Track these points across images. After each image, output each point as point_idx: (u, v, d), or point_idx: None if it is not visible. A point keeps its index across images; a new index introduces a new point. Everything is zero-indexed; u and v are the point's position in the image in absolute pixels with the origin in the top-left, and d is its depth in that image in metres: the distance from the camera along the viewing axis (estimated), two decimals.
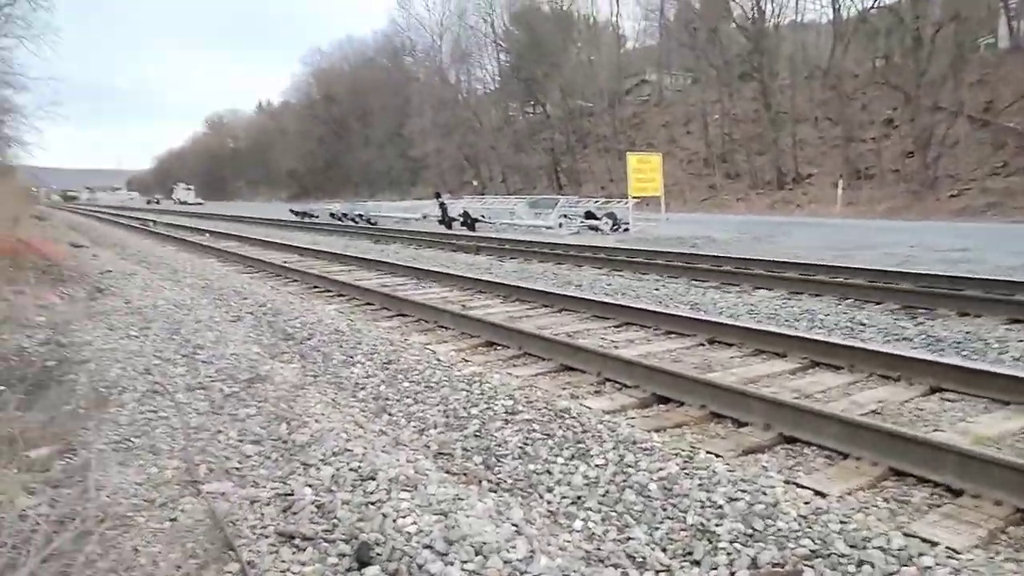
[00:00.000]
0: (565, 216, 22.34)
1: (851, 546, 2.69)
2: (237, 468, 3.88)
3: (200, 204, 79.22)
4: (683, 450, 3.63)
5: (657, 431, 4.06)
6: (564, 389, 5.06)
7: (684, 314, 7.21)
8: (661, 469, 3.44)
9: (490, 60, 59.08)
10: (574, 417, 4.15)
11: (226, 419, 4.70)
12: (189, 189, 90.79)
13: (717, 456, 3.63)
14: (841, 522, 2.84)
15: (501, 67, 58.14)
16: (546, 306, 8.31)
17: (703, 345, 6.26)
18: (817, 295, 8.60)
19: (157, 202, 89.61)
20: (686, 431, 4.23)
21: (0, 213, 17.66)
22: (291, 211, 40.26)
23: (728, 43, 39.18)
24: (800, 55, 38.07)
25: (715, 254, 12.76)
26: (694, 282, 10.02)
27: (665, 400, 4.68)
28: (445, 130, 57.40)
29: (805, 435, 3.89)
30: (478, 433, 4.27)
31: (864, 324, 6.92)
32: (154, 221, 33.38)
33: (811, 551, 2.70)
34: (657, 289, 9.41)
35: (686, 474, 3.37)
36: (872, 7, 33.26)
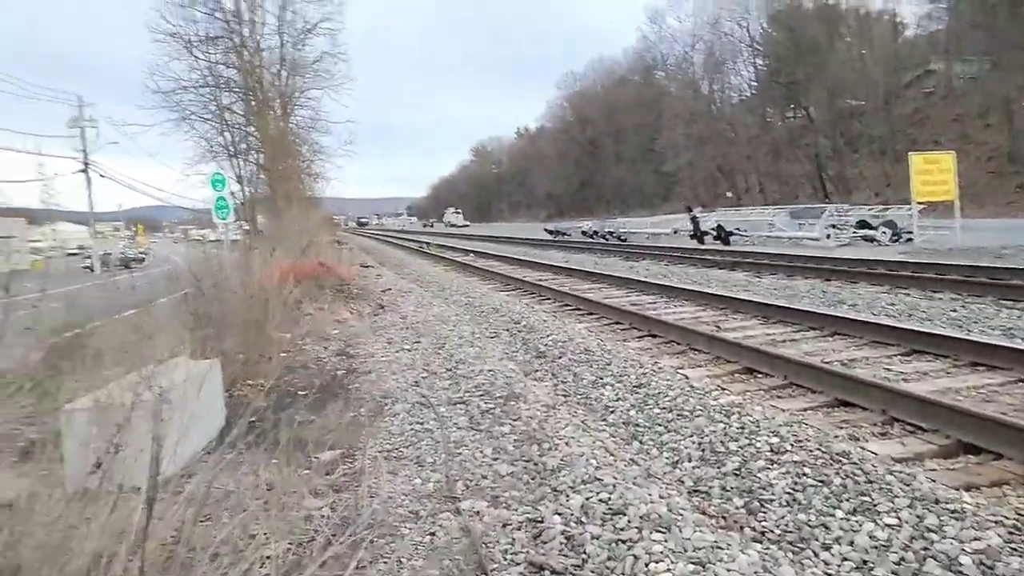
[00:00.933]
0: (833, 226, 20.33)
1: None
2: (491, 487, 3.94)
3: (467, 226, 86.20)
4: (1007, 518, 2.92)
5: (968, 489, 3.33)
6: (841, 428, 4.43)
7: (995, 342, 5.99)
8: (977, 539, 2.80)
9: (745, 66, 56.50)
10: (855, 463, 3.59)
11: (483, 435, 4.86)
12: (458, 213, 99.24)
13: None
14: None
15: (758, 72, 55.20)
16: (814, 329, 7.47)
17: (1023, 382, 5.12)
18: None
19: (431, 225, 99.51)
20: (1009, 493, 3.42)
21: (312, 240, 20.75)
22: (545, 230, 42.03)
23: None
24: None
25: None
26: (1004, 302, 8.37)
27: (975, 450, 3.85)
28: (698, 142, 55.88)
29: None
30: (738, 472, 3.89)
31: None
32: (427, 243, 36.92)
33: None
34: (954, 311, 8.01)
35: (1013, 550, 2.69)
36: None
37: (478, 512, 3.60)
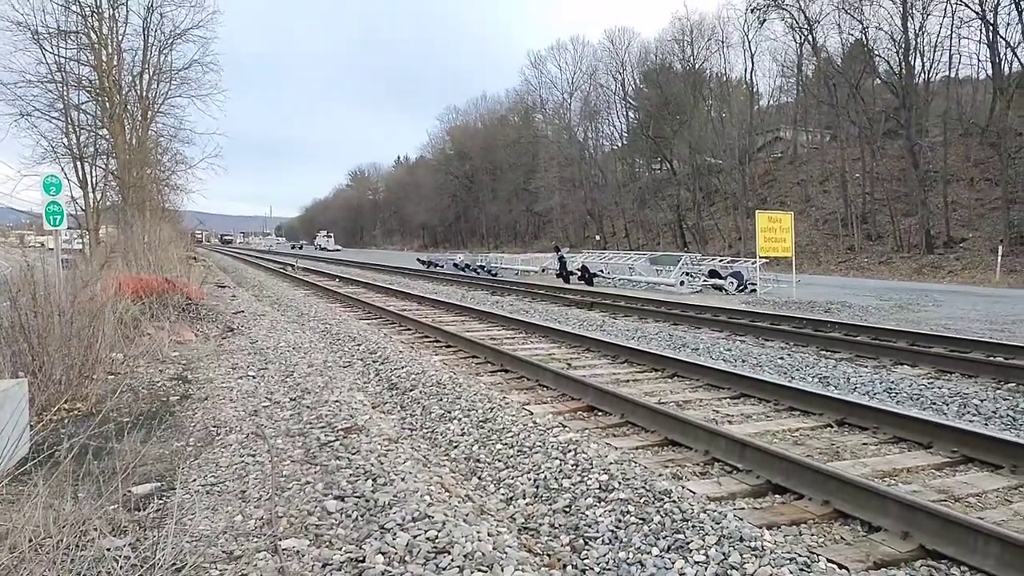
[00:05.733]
0: (687, 274, 21.63)
1: None
2: (316, 525, 3.76)
3: (338, 250, 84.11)
4: (799, 555, 3.14)
5: (769, 528, 3.57)
6: (666, 467, 4.64)
7: (810, 389, 6.55)
8: (772, 575, 2.98)
9: (618, 118, 59.66)
10: (674, 501, 3.75)
11: (317, 470, 4.64)
12: (329, 237, 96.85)
13: (840, 567, 3.11)
14: None
15: (629, 124, 58.46)
16: (656, 370, 7.85)
17: (831, 427, 5.60)
18: (971, 376, 7.61)
19: (300, 247, 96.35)
20: (804, 531, 3.69)
21: (160, 255, 19.37)
22: (418, 260, 41.83)
23: (871, 99, 37.29)
24: (955, 111, 35.45)
25: (850, 322, 11.76)
26: (824, 352, 9.20)
27: (782, 490, 4.14)
28: (570, 185, 58.11)
29: (955, 552, 3.27)
30: (568, 509, 3.95)
31: None
32: (293, 265, 35.63)
33: None
34: (782, 358, 8.69)
35: None
36: None
37: (298, 551, 3.42)
